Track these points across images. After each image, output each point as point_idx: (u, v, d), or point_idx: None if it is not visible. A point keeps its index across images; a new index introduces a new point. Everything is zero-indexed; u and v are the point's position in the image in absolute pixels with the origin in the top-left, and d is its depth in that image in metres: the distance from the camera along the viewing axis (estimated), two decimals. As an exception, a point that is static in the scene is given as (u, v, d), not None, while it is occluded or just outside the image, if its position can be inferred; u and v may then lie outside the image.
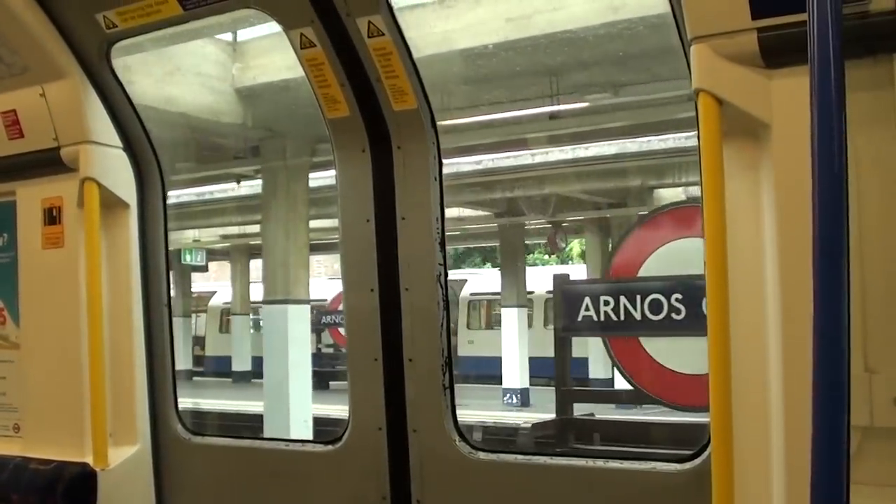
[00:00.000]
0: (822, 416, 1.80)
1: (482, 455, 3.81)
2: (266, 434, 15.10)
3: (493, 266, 48.00)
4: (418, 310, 3.88)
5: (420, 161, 3.87)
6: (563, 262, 46.08)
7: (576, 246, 36.91)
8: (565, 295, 10.08)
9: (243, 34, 13.64)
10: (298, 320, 14.94)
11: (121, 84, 4.23)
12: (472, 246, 45.43)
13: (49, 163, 4.16)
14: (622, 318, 9.22)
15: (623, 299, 8.50)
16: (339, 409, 20.36)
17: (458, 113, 14.88)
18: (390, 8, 3.77)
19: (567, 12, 11.02)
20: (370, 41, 3.72)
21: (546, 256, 47.39)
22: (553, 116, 13.98)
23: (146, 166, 4.29)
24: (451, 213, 26.62)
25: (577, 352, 29.34)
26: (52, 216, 4.18)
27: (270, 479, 4.16)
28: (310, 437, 15.05)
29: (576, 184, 21.59)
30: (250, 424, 21.52)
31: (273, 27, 12.96)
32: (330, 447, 4.06)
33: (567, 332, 10.25)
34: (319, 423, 15.25)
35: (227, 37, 13.64)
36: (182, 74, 13.13)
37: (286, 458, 4.21)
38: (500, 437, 19.20)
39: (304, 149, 15.15)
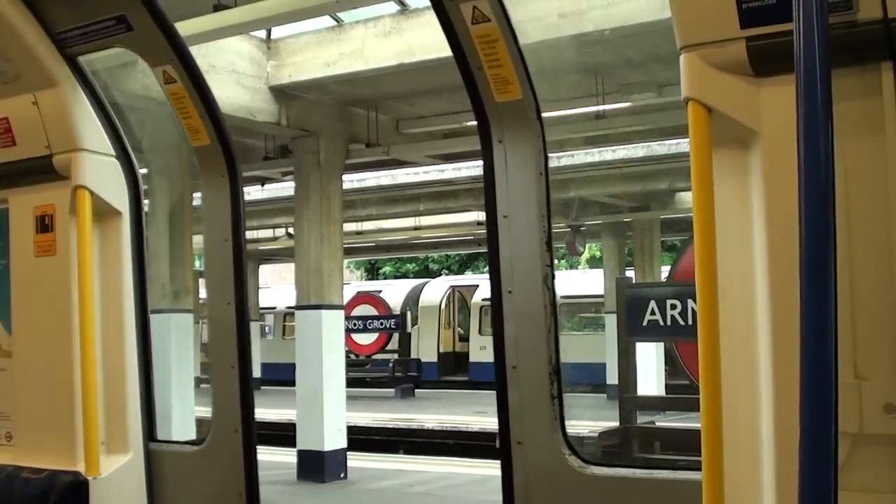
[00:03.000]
0: (809, 422, 1.80)
1: (595, 469, 3.55)
2: (299, 443, 14.75)
3: (499, 271, 47.97)
4: (522, 314, 3.71)
5: (524, 155, 3.66)
6: (573, 266, 46.05)
7: (585, 251, 36.65)
8: (629, 299, 9.76)
9: (278, 31, 13.33)
10: (332, 326, 14.61)
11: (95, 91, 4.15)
12: (481, 251, 45.30)
13: (41, 170, 4.11)
14: (690, 321, 8.97)
15: (691, 302, 8.11)
16: (355, 416, 20.15)
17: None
18: (496, -9, 3.52)
19: (621, 8, 10.75)
20: (474, 28, 3.50)
21: (556, 261, 47.33)
22: (599, 116, 13.70)
23: (136, 174, 4.26)
24: (470, 216, 26.68)
25: (593, 356, 29.64)
26: (44, 224, 4.16)
27: None
28: (344, 445, 14.75)
29: (600, 187, 21.40)
30: (277, 433, 21.32)
31: (307, 25, 12.77)
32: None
33: (632, 337, 9.90)
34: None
35: (262, 33, 13.31)
36: (216, 72, 12.80)
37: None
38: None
39: (339, 149, 14.85)
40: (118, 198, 4.13)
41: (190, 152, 13.24)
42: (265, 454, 17.75)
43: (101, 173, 4.05)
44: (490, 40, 3.52)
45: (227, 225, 4.11)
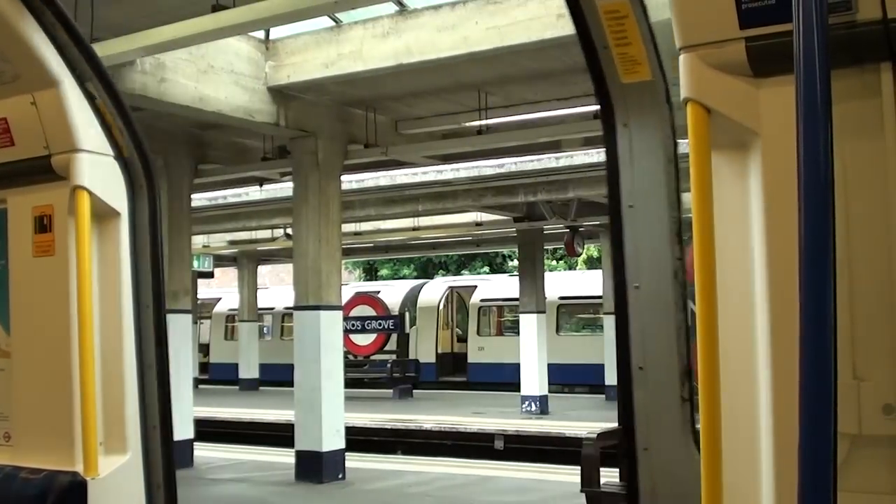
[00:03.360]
0: (808, 423, 1.80)
1: None
2: (297, 444, 14.75)
3: (495, 271, 48.02)
4: (650, 310, 3.52)
5: (652, 141, 3.49)
6: (571, 267, 46.08)
7: (584, 252, 36.63)
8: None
9: (276, 31, 13.33)
10: (331, 327, 14.61)
11: (115, 92, 4.09)
12: (477, 252, 45.33)
13: (40, 171, 4.08)
14: (690, 322, 8.91)
15: (690, 303, 8.08)
16: (353, 416, 20.15)
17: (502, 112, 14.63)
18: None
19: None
20: (602, 3, 3.33)
21: (554, 262, 47.34)
22: (598, 116, 13.65)
23: (138, 174, 4.18)
24: (469, 217, 26.71)
25: (592, 357, 29.69)
26: (42, 224, 4.14)
27: None
28: (342, 445, 14.75)
29: (600, 187, 21.39)
30: (275, 434, 21.33)
31: (306, 25, 12.78)
32: None
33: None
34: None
35: (260, 34, 13.32)
36: (215, 73, 12.80)
37: None
38: (558, 449, 18.98)
39: (338, 149, 14.85)
40: (117, 198, 4.09)
41: (189, 149, 13.18)
42: (264, 455, 17.84)
43: (100, 174, 4.03)
44: (619, 17, 3.35)
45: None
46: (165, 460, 4.16)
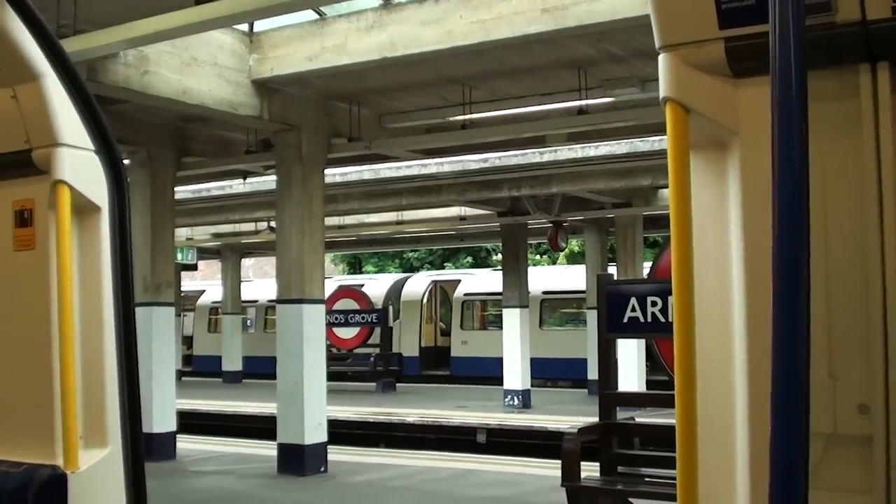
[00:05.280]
0: (780, 421, 1.80)
1: None
2: (280, 436, 14.74)
3: (479, 266, 48.02)
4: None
5: None
6: (554, 262, 46.12)
7: (567, 247, 36.65)
8: (610, 295, 9.73)
9: (260, 24, 13.28)
10: (313, 320, 14.59)
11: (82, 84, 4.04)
12: (462, 246, 45.30)
13: (20, 164, 4.04)
14: (670, 318, 8.94)
15: (671, 299, 8.07)
16: (336, 409, 20.15)
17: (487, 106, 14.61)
18: None
19: (604, 3, 10.73)
20: None
21: (538, 256, 47.38)
22: (581, 112, 13.67)
23: (119, 168, 4.12)
24: (452, 211, 26.72)
25: (575, 352, 29.73)
26: (23, 218, 4.10)
27: None
28: (324, 439, 14.74)
29: (583, 183, 21.42)
30: (257, 427, 21.32)
31: (289, 18, 12.75)
32: None
33: (613, 333, 9.89)
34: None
35: (244, 27, 13.27)
36: (199, 65, 12.76)
37: None
38: (539, 443, 19.01)
39: (322, 143, 14.83)
40: (97, 192, 4.05)
41: (172, 142, 13.14)
42: (246, 448, 17.82)
43: (81, 168, 3.99)
44: None
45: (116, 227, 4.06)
46: (134, 454, 4.15)
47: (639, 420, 10.91)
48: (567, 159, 19.63)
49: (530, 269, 28.20)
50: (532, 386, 26.00)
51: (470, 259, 51.05)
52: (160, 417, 15.95)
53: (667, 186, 2.51)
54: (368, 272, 50.98)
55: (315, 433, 14.52)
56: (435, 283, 39.20)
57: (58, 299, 3.92)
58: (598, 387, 10.14)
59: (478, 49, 11.82)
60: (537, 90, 14.25)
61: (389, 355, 32.54)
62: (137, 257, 14.87)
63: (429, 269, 48.08)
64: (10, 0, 3.80)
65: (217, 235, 33.15)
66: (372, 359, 31.51)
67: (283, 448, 14.65)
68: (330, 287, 31.82)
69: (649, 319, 9.45)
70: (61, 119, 3.93)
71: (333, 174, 20.05)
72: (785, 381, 1.81)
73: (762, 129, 2.10)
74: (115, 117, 14.54)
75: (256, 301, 40.48)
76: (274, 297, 16.19)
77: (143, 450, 4.21)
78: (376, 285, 39.37)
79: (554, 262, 45.88)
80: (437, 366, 36.65)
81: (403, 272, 47.65)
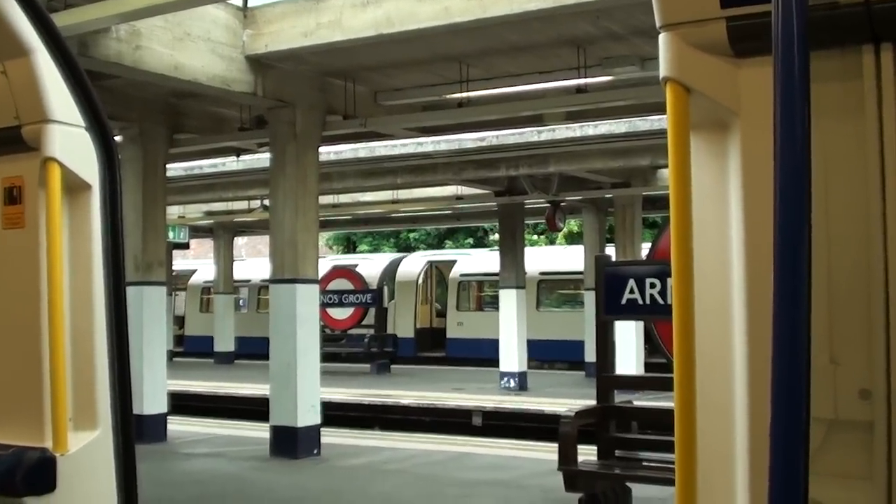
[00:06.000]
0: (781, 406, 1.81)
1: None
2: (272, 419, 14.76)
3: (479, 246, 48.03)
4: None
5: None
6: (552, 242, 46.13)
7: (565, 226, 36.65)
8: (608, 276, 9.74)
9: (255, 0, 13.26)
10: (307, 301, 14.59)
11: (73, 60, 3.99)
12: (459, 226, 45.31)
13: (10, 141, 4.01)
14: (669, 300, 8.95)
15: (670, 281, 8.09)
16: (330, 391, 20.17)
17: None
18: None
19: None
20: None
21: (536, 237, 47.39)
22: (580, 90, 13.66)
23: (110, 146, 4.10)
24: (449, 190, 26.71)
25: (572, 334, 29.77)
26: (12, 196, 4.07)
27: None
28: (318, 421, 14.76)
29: (582, 162, 21.41)
30: (250, 408, 21.34)
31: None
32: None
33: (611, 315, 9.89)
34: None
35: (238, 2, 13.23)
36: (192, 40, 12.72)
37: None
38: (536, 426, 19.05)
39: (316, 120, 14.80)
40: (88, 170, 4.02)
41: (165, 118, 13.11)
42: (239, 430, 17.85)
43: (71, 145, 3.97)
44: None
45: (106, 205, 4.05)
46: (124, 436, 4.15)
47: (636, 403, 10.95)
48: (565, 138, 19.56)
49: (528, 250, 28.22)
50: (529, 368, 26.04)
51: (471, 240, 51.03)
52: (151, 399, 15.95)
53: (666, 166, 2.51)
54: (362, 252, 50.97)
55: (308, 415, 14.54)
56: (431, 263, 39.23)
57: (47, 279, 3.91)
58: (596, 369, 10.16)
59: (475, 26, 11.78)
60: (535, 68, 14.21)
61: (384, 336, 32.61)
62: (128, 236, 14.85)
63: (426, 250, 48.09)
64: None
65: (210, 214, 33.13)
66: (366, 340, 31.56)
67: (275, 430, 14.67)
68: (324, 267, 31.86)
69: (648, 301, 9.46)
70: (52, 95, 3.90)
71: (328, 152, 20.01)
72: (785, 365, 1.82)
73: (764, 110, 2.10)
74: (106, 93, 14.51)
75: (249, 281, 40.52)
76: (267, 276, 16.17)
77: (133, 432, 4.21)
78: (371, 265, 39.39)
79: (552, 243, 45.88)
80: (432, 347, 36.72)
81: (399, 252, 47.64)
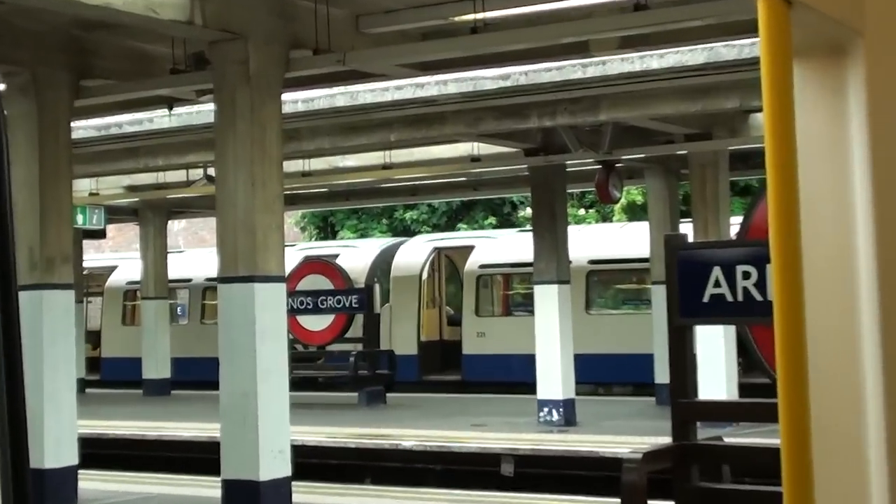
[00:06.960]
0: None
1: None
2: (224, 471, 14.74)
3: (502, 225, 48.04)
4: None
5: None
6: (606, 219, 46.19)
7: (622, 196, 36.68)
8: (683, 264, 9.70)
9: None
10: (270, 306, 14.57)
11: None
12: (477, 198, 45.27)
13: None
14: (769, 296, 8.91)
15: (770, 269, 8.02)
16: (304, 430, 20.21)
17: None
18: None
19: None
20: None
21: (582, 211, 47.44)
22: (639, 7, 13.62)
23: None
24: (461, 149, 26.69)
25: (636, 345, 29.79)
26: None
27: None
28: (287, 472, 14.76)
29: (643, 107, 21.40)
30: (194, 456, 21.38)
31: None
32: None
33: (688, 319, 9.85)
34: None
35: None
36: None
37: None
38: (588, 474, 19.07)
39: (277, 57, 14.79)
40: None
41: (67, 59, 13.12)
42: (178, 486, 17.93)
43: None
44: None
45: None
46: (17, 500, 4.14)
47: (728, 441, 10.93)
48: (620, 74, 19.54)
49: (571, 230, 28.20)
50: (577, 394, 26.05)
51: (493, 219, 50.98)
52: (55, 447, 15.98)
53: (761, 110, 2.47)
54: (345, 238, 51.03)
55: (274, 465, 14.55)
56: (438, 251, 39.26)
57: None
58: (670, 394, 10.15)
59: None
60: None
61: (377, 354, 32.67)
62: (20, 222, 14.86)
63: (432, 233, 48.09)
64: None
65: (133, 189, 33.20)
66: (352, 359, 31.60)
67: (229, 486, 14.69)
68: (293, 259, 31.87)
69: (740, 298, 9.42)
70: None
71: (295, 100, 20.02)
72: None
73: None
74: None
75: (190, 280, 40.64)
76: (214, 273, 16.18)
77: (30, 493, 4.19)
78: (356, 255, 39.46)
79: (606, 219, 45.96)
80: (443, 368, 36.84)
81: (394, 237, 47.69)
